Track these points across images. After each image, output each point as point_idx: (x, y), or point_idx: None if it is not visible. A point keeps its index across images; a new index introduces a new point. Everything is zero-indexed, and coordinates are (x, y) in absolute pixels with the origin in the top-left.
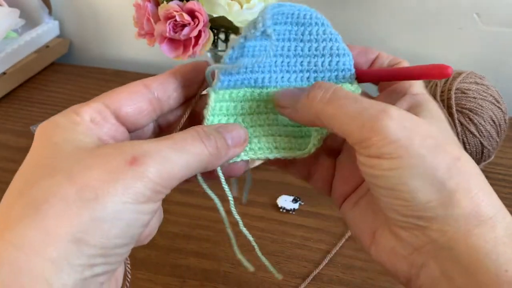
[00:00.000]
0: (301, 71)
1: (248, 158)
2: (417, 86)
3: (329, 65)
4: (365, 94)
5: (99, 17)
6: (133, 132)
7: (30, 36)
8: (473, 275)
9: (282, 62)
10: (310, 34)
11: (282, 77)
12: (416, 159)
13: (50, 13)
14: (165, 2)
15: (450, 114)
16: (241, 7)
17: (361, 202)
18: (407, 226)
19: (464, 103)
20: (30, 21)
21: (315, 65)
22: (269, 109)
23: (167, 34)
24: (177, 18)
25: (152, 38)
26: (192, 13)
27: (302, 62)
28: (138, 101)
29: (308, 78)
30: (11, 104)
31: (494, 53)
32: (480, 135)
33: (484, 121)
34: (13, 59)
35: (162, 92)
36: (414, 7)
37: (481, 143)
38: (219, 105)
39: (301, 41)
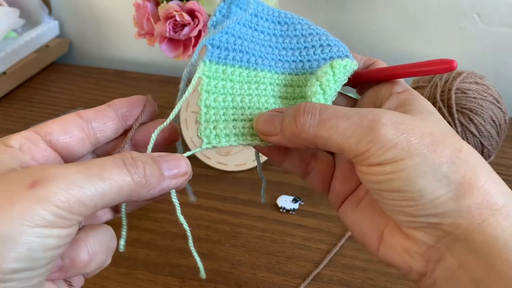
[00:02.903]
0: (293, 61)
1: (223, 145)
2: (401, 84)
3: (322, 53)
4: (343, 96)
5: (99, 17)
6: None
7: (30, 36)
8: (493, 265)
9: (273, 51)
10: (294, 29)
11: (276, 63)
12: (418, 158)
13: (50, 13)
14: (165, 2)
15: (450, 114)
16: None
17: (364, 202)
18: (418, 226)
19: (464, 103)
20: (30, 21)
21: (307, 55)
22: (260, 91)
23: (167, 34)
24: (177, 18)
25: (152, 38)
26: (192, 13)
27: (293, 53)
28: (68, 127)
29: (302, 67)
30: (11, 104)
31: (494, 53)
32: (480, 135)
33: (484, 121)
34: (13, 59)
35: (96, 121)
36: (414, 7)
37: (481, 143)
38: (214, 83)
39: (288, 36)
